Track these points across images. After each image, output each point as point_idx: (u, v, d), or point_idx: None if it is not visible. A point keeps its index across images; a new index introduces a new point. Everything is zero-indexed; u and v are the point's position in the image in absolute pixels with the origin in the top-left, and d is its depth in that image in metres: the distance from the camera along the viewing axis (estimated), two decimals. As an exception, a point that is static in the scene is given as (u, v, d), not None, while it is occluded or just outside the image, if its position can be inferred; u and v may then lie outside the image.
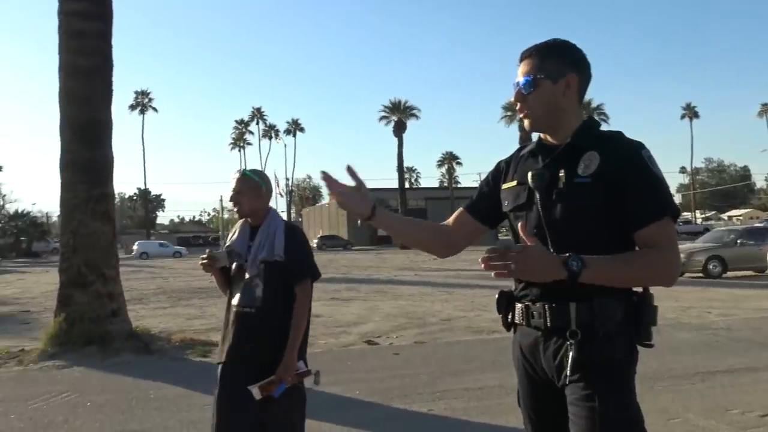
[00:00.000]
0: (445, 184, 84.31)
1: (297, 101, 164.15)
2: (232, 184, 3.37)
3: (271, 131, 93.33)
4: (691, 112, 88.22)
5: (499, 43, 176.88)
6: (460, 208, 2.39)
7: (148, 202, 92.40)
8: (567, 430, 2.01)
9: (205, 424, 5.39)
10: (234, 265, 3.39)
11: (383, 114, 63.63)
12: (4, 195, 68.48)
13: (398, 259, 38.27)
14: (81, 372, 7.73)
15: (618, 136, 2.08)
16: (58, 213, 9.60)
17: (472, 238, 2.36)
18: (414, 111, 63.97)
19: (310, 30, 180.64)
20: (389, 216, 2.29)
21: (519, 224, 2.08)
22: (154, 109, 79.98)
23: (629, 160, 1.98)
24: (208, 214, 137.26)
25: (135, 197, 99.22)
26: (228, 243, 3.45)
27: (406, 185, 68.95)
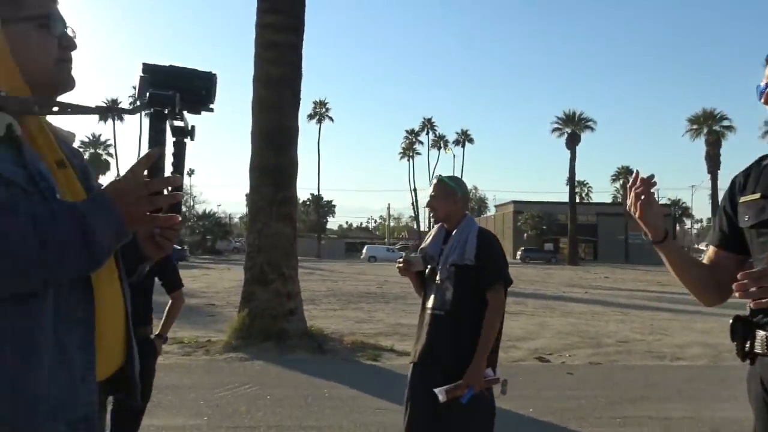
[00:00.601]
0: (618, 200, 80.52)
1: (467, 112, 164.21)
2: (430, 190, 3.46)
3: (440, 141, 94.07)
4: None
5: (682, 50, 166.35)
6: (712, 248, 2.12)
7: (320, 207, 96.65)
8: None
9: (377, 427, 5.45)
10: (428, 268, 3.43)
11: (556, 126, 61.87)
12: (195, 196, 74.49)
13: (566, 275, 36.95)
14: (260, 366, 8.14)
15: None
16: (240, 215, 10.21)
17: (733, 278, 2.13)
18: (589, 123, 61.63)
19: (481, 40, 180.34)
20: (677, 247, 2.11)
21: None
22: (331, 119, 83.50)
23: None
24: (375, 221, 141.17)
25: (308, 202, 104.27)
26: (422, 246, 3.53)
27: (577, 200, 66.48)
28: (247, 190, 10.36)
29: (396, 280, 24.84)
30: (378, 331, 11.35)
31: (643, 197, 1.96)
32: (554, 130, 61.93)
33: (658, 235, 2.02)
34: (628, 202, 2.02)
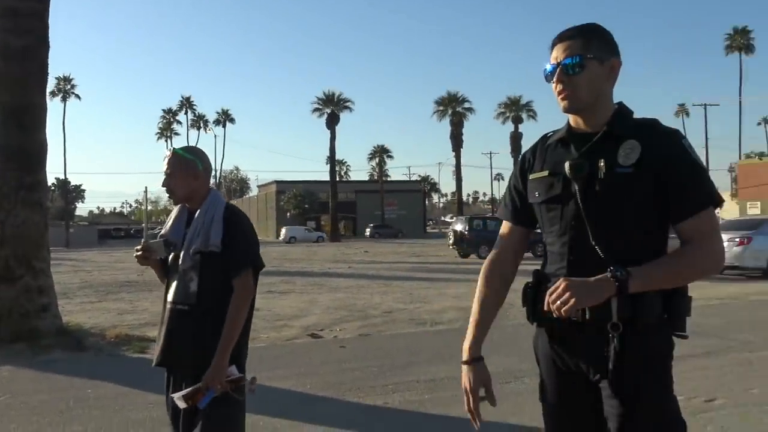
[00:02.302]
0: (375, 177, 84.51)
1: (227, 92, 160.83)
2: (164, 166, 2.95)
3: (200, 121, 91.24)
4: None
5: (432, 38, 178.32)
6: (506, 224, 2.25)
7: (67, 192, 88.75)
8: (595, 421, 1.97)
9: (152, 423, 5.17)
10: (171, 256, 2.99)
11: (316, 106, 63.01)
12: None
13: (329, 251, 38.07)
14: (10, 371, 7.28)
15: (655, 123, 2.02)
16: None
17: (526, 247, 2.30)
18: (348, 103, 63.68)
19: (241, 20, 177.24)
20: (480, 341, 2.19)
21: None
22: (77, 96, 76.76)
23: (671, 149, 1.94)
24: (131, 206, 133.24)
25: (53, 187, 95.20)
26: (163, 231, 3.06)
27: (337, 178, 68.55)
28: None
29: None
30: (144, 321, 10.75)
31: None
32: (315, 110, 63.09)
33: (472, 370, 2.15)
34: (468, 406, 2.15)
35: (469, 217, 31.72)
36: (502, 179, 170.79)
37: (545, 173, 2.09)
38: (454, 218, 40.03)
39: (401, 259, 28.39)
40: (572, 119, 2.08)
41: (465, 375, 2.14)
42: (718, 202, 1.96)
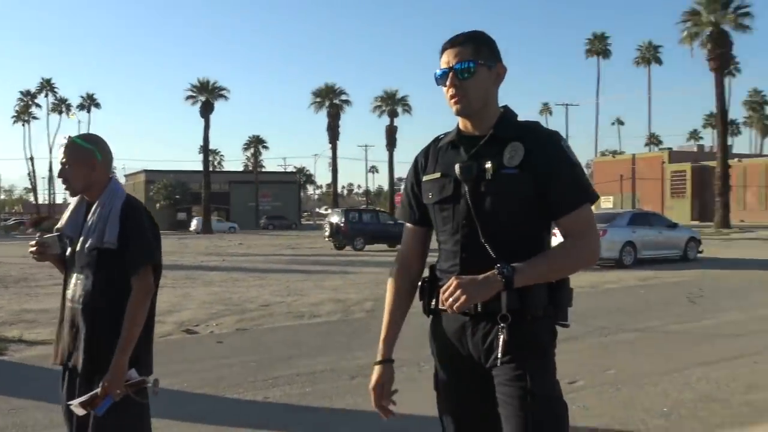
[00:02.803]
0: (250, 168, 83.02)
1: (93, 75, 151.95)
2: (59, 155, 2.82)
3: (62, 105, 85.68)
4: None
5: (310, 29, 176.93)
6: (409, 226, 2.32)
7: None
8: (488, 406, 2.08)
9: (16, 429, 4.87)
10: (68, 251, 2.84)
11: (190, 93, 60.76)
12: None
13: (202, 243, 37.06)
14: None
15: (537, 126, 2.15)
16: None
17: (429, 244, 2.37)
18: (223, 92, 61.96)
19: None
20: (392, 342, 2.28)
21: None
22: None
23: (552, 150, 2.08)
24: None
25: None
26: (60, 224, 2.90)
27: (210, 168, 66.68)
28: None
29: (13, 262, 22.13)
30: (0, 320, 10.04)
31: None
32: (188, 97, 60.93)
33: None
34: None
35: (345, 209, 31.90)
36: (377, 172, 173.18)
37: (437, 175, 2.19)
38: (330, 210, 40.11)
39: (277, 251, 28.14)
40: (461, 122, 2.18)
41: (376, 374, 2.24)
42: (594, 198, 2.13)
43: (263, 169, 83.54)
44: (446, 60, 2.12)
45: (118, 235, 2.70)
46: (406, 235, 2.33)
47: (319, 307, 11.07)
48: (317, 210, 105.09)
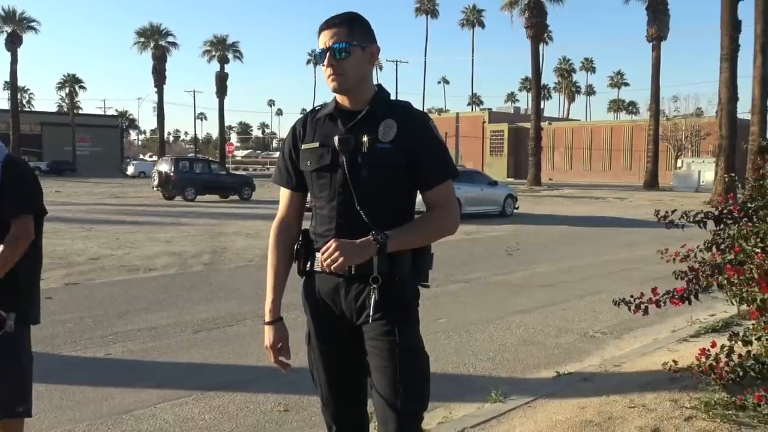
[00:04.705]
0: (65, 109, 76.70)
1: None
2: None
3: None
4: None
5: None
6: (285, 191, 2.41)
7: None
8: (358, 359, 2.28)
9: None
10: None
11: (-8, 24, 54.63)
12: None
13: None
14: None
15: (407, 106, 2.33)
16: None
17: (304, 208, 2.45)
18: (33, 23, 56.23)
19: None
20: (278, 303, 2.38)
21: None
22: None
23: (421, 129, 2.27)
24: None
25: None
26: None
27: (18, 107, 60.70)
28: None
29: None
30: None
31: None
32: (-10, 29, 54.71)
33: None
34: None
35: (175, 157, 30.68)
36: (206, 119, 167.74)
37: (316, 144, 2.31)
38: (155, 158, 38.12)
39: (100, 201, 26.57)
40: (339, 97, 2.32)
41: (267, 334, 2.36)
42: (455, 174, 2.35)
43: (80, 111, 77.57)
44: (324, 40, 2.23)
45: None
46: (284, 200, 2.44)
47: (153, 260, 10.76)
48: (141, 157, 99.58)
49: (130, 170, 58.86)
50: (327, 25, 2.24)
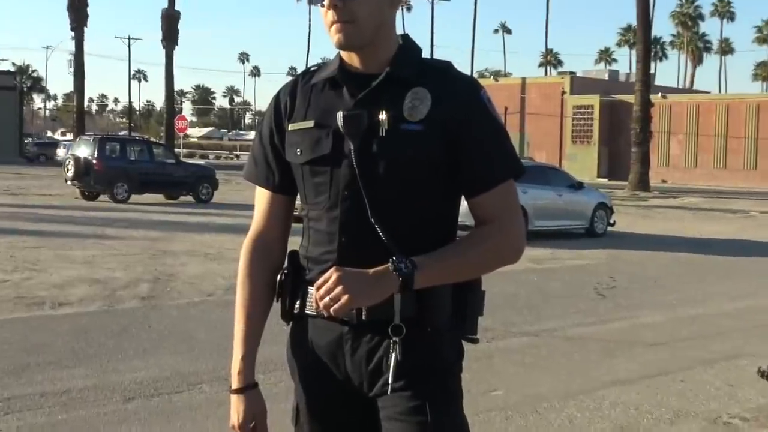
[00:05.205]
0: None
1: None
2: None
3: None
4: None
5: None
6: (264, 193, 2.41)
7: None
8: None
9: None
10: None
11: None
12: None
13: None
14: None
15: (447, 67, 2.32)
16: None
17: (291, 218, 2.46)
18: None
19: None
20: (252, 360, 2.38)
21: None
22: None
23: (469, 104, 2.25)
24: None
25: None
26: None
27: None
28: None
29: None
30: None
31: None
32: None
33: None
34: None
35: (99, 136, 30.94)
36: (146, 79, 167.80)
37: (309, 124, 2.29)
38: (70, 136, 38.28)
39: (-12, 198, 26.90)
40: (345, 55, 2.30)
41: (235, 407, 2.33)
42: (522, 172, 2.35)
43: (-39, 65, 78.54)
44: None
45: None
46: (262, 205, 2.43)
47: (66, 291, 10.87)
48: (50, 135, 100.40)
49: (61, 153, 58.20)
50: None
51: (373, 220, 2.17)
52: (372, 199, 2.18)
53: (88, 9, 64.13)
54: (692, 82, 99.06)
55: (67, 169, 28.18)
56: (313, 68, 2.41)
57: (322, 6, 2.20)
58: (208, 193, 28.50)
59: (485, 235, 2.27)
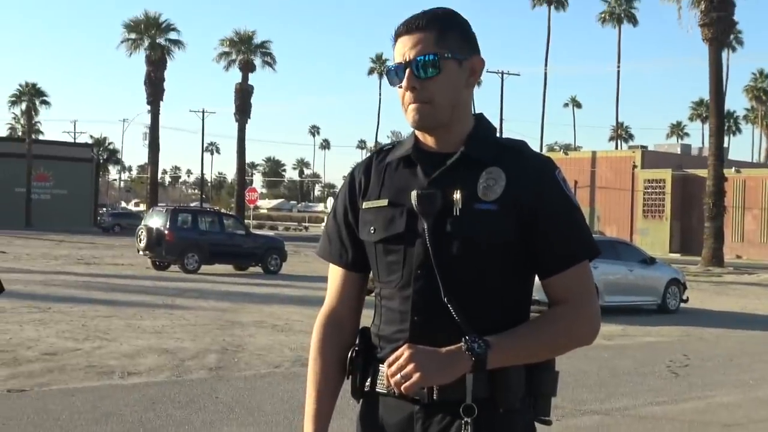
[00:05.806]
0: (21, 134, 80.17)
1: None
2: None
3: None
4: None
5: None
6: (337, 270, 2.43)
7: None
8: None
9: None
10: None
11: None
12: None
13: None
14: None
15: (522, 147, 2.34)
16: None
17: (365, 295, 2.48)
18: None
19: None
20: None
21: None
22: None
23: (544, 184, 2.27)
24: None
25: None
26: None
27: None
28: None
29: None
30: None
31: None
32: None
33: None
34: None
35: (172, 207, 31.50)
36: (218, 152, 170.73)
37: (383, 202, 2.32)
38: (143, 207, 39.13)
39: (62, 268, 27.39)
40: (420, 134, 2.33)
41: None
42: (597, 253, 2.33)
43: (41, 135, 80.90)
44: (402, 50, 2.26)
45: None
46: (335, 282, 2.45)
47: (136, 360, 10.98)
48: (123, 205, 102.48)
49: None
50: (407, 27, 2.26)
51: (446, 299, 2.18)
52: (445, 279, 2.19)
53: (165, 84, 65.76)
54: (767, 156, 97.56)
55: (139, 240, 28.64)
56: (387, 146, 2.44)
57: (400, 87, 2.25)
58: (276, 264, 28.65)
59: (559, 315, 2.26)
